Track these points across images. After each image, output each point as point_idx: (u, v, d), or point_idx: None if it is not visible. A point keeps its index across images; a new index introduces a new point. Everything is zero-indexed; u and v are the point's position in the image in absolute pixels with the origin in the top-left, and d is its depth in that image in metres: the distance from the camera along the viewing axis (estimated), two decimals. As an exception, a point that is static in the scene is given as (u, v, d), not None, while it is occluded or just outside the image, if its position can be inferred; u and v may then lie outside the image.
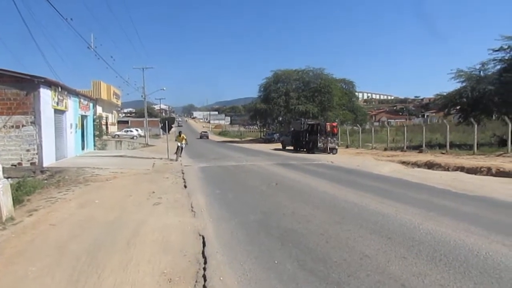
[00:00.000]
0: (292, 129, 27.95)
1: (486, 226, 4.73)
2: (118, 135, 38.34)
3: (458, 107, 22.13)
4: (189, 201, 6.87)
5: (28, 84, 12.30)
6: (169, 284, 3.18)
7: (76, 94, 17.46)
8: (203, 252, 3.97)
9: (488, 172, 10.79)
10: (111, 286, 3.13)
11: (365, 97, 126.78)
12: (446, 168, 12.32)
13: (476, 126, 16.91)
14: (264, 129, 52.56)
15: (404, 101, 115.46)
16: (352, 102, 45.50)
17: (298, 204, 6.47)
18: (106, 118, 38.18)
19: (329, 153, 20.50)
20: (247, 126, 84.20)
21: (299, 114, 36.78)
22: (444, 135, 19.15)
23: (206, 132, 65.74)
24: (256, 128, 64.16)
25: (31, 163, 12.28)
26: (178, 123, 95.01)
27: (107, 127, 36.63)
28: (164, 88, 54.59)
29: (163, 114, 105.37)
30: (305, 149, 22.82)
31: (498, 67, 19.54)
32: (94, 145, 21.56)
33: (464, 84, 20.97)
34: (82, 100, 18.38)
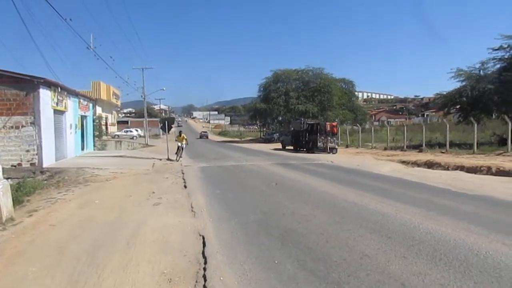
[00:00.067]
0: (292, 129, 27.94)
1: (486, 225, 4.73)
2: (118, 135, 38.32)
3: (458, 106, 22.14)
4: (189, 201, 6.87)
5: (28, 84, 12.29)
6: (169, 284, 3.18)
7: (75, 94, 17.45)
8: (203, 252, 3.97)
9: (488, 171, 10.79)
10: (111, 286, 3.13)
11: (365, 96, 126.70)
12: (446, 167, 12.32)
13: (476, 125, 16.92)
14: (264, 129, 52.52)
15: (403, 100, 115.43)
16: (352, 102, 45.49)
17: (298, 204, 6.47)
18: (106, 118, 38.18)
19: (329, 152, 20.50)
20: (247, 126, 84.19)
21: (299, 113, 36.77)
22: (444, 134, 19.14)
23: (205, 132, 65.85)
24: (256, 128, 64.14)
25: (31, 164, 12.27)
26: (178, 123, 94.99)
27: (106, 128, 36.62)
28: (164, 88, 54.57)
29: (163, 114, 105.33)
30: (305, 149, 22.81)
31: (498, 66, 19.55)
32: (94, 146, 21.54)
33: (464, 83, 20.99)
34: (81, 100, 18.37)
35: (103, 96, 36.09)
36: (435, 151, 17.59)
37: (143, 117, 41.74)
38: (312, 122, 24.16)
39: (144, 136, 37.39)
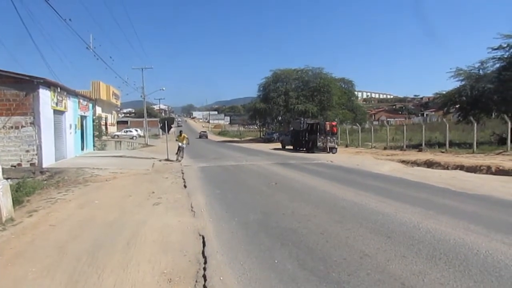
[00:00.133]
0: (292, 128, 27.93)
1: (485, 224, 4.74)
2: (118, 136, 38.30)
3: (457, 106, 22.17)
4: (189, 201, 6.87)
5: (27, 84, 12.28)
6: (169, 284, 3.18)
7: (75, 94, 17.44)
8: (203, 252, 3.97)
9: (488, 170, 10.80)
10: (111, 286, 3.13)
11: (365, 96, 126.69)
12: (445, 166, 12.33)
13: (475, 124, 16.92)
14: (264, 129, 52.54)
15: (403, 100, 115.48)
16: (352, 101, 45.48)
17: (298, 203, 6.47)
18: (106, 118, 38.20)
19: (328, 152, 20.50)
20: (246, 126, 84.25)
21: (299, 113, 36.76)
22: (444, 134, 19.16)
23: (205, 132, 66.10)
24: (256, 127, 64.19)
25: (30, 164, 12.27)
26: (177, 123, 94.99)
27: (106, 128, 36.63)
28: (164, 88, 54.91)
29: (163, 114, 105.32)
30: (304, 149, 22.81)
31: (497, 65, 19.56)
32: (94, 146, 21.53)
33: (463, 82, 21.02)
34: (81, 100, 18.35)
35: (103, 96, 36.12)
36: (434, 151, 17.61)
37: (143, 117, 41.75)
38: (311, 122, 24.15)
39: (144, 136, 37.40)
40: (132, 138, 37.54)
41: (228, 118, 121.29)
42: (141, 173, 11.62)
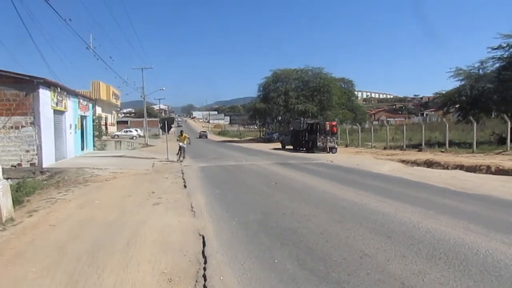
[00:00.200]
0: (292, 128, 27.94)
1: (485, 224, 4.74)
2: (118, 135, 38.30)
3: (457, 106, 22.18)
4: (189, 201, 6.87)
5: (27, 84, 12.28)
6: (169, 284, 3.18)
7: (75, 94, 17.44)
8: (203, 252, 3.97)
9: (488, 170, 10.81)
10: (111, 286, 3.13)
11: (364, 96, 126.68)
12: (445, 166, 12.34)
13: (475, 124, 16.92)
14: (264, 129, 52.57)
15: (403, 100, 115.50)
16: (352, 101, 45.49)
17: (298, 203, 6.47)
18: (106, 118, 38.20)
19: (328, 152, 20.50)
20: (246, 126, 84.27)
21: (299, 113, 36.76)
22: (444, 134, 19.16)
23: (205, 132, 66.36)
24: (256, 127, 64.19)
25: (30, 164, 12.27)
26: (177, 123, 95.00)
27: (106, 128, 36.62)
28: (164, 88, 54.93)
29: (163, 114, 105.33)
30: (304, 149, 22.81)
31: (497, 65, 19.57)
32: (94, 146, 21.53)
33: (463, 82, 21.03)
34: (81, 100, 18.35)
35: (103, 96, 36.12)
36: (434, 150, 17.61)
37: (143, 117, 41.76)
38: (311, 122, 24.16)
39: (144, 136, 37.40)
40: (132, 138, 37.54)
41: (228, 118, 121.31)
42: (141, 173, 11.62)
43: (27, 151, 12.31)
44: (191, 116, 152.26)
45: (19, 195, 7.11)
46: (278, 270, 3.41)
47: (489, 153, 14.80)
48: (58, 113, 14.62)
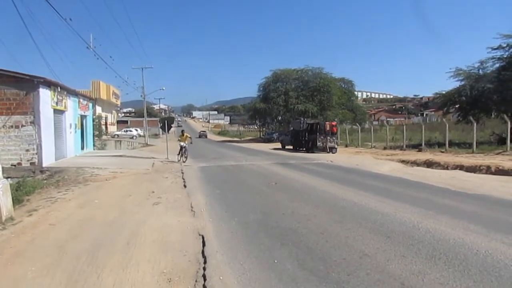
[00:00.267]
0: (292, 128, 27.95)
1: (485, 224, 4.74)
2: (118, 135, 38.32)
3: (457, 106, 22.19)
4: (188, 201, 6.87)
5: (28, 84, 12.28)
6: (169, 284, 3.18)
7: (75, 94, 17.44)
8: (202, 252, 3.97)
9: (487, 170, 10.81)
10: (110, 286, 3.13)
11: (364, 96, 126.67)
12: (445, 166, 12.34)
13: (475, 124, 16.92)
14: (264, 129, 52.58)
15: (403, 100, 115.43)
16: (351, 101, 45.51)
17: (298, 203, 6.47)
18: (106, 118, 38.20)
19: (328, 152, 20.50)
20: (246, 126, 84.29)
21: (299, 113, 36.78)
22: (443, 134, 19.17)
23: (204, 131, 66.66)
24: (256, 127, 64.21)
25: (30, 163, 12.27)
26: (177, 123, 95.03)
27: (106, 127, 36.64)
28: (164, 88, 54.91)
29: (163, 114, 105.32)
30: (304, 149, 22.81)
31: (497, 65, 19.58)
32: (94, 145, 21.54)
33: (463, 82, 21.04)
34: (81, 100, 18.36)
35: (103, 95, 36.11)
36: (434, 151, 17.61)
37: (143, 116, 41.76)
38: (311, 122, 24.16)
39: (144, 136, 37.40)
40: (132, 138, 37.54)
41: (228, 118, 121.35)
42: (141, 172, 11.61)
43: (27, 150, 12.31)
44: (191, 116, 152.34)
45: (19, 194, 7.11)
46: (278, 270, 3.40)
47: (489, 153, 14.80)
48: (58, 112, 14.63)
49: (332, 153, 20.34)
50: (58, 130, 14.52)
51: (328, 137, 21.23)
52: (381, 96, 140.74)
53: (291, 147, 25.36)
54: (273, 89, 41.23)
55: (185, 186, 8.87)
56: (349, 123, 38.14)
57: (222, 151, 23.94)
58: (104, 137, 29.55)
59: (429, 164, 13.19)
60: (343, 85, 45.12)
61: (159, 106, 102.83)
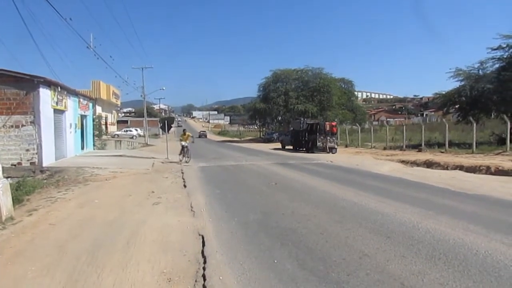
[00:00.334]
0: (292, 128, 27.96)
1: (485, 224, 4.74)
2: (118, 135, 38.31)
3: (457, 106, 22.20)
4: (188, 201, 6.87)
5: (28, 84, 12.29)
6: (168, 284, 3.18)
7: (75, 94, 17.44)
8: (202, 252, 3.97)
9: (487, 170, 10.81)
10: (110, 286, 3.13)
11: (364, 96, 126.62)
12: (445, 167, 12.34)
13: (475, 124, 16.92)
14: (264, 129, 52.60)
15: (403, 100, 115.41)
16: (351, 102, 45.54)
17: (298, 203, 6.48)
18: (106, 117, 38.15)
19: (328, 152, 20.51)
20: (246, 126, 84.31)
21: (298, 113, 36.79)
22: (443, 134, 19.16)
23: (204, 131, 66.88)
24: (256, 127, 64.23)
25: (30, 163, 12.27)
26: (177, 123, 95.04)
27: (106, 127, 36.60)
28: (164, 88, 54.84)
29: (163, 114, 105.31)
30: (304, 149, 22.82)
31: (497, 65, 19.58)
32: (94, 145, 21.54)
33: (463, 83, 21.04)
34: (81, 100, 18.36)
35: (103, 95, 36.09)
36: (434, 151, 17.61)
37: (143, 116, 41.76)
38: (311, 122, 24.18)
39: (144, 136, 37.39)
40: (132, 138, 37.54)
41: (228, 118, 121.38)
42: (141, 172, 11.61)
43: (27, 150, 12.31)
44: (191, 116, 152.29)
45: (19, 194, 7.11)
46: (277, 270, 3.41)
47: (488, 153, 14.80)
48: (58, 112, 14.63)
49: (332, 153, 20.34)
50: (58, 130, 14.53)
51: (328, 137, 21.23)
52: (381, 96, 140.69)
53: (291, 147, 25.37)
54: (273, 89, 41.26)
55: (185, 186, 8.88)
56: (349, 123, 38.18)
57: (222, 151, 23.94)
58: (104, 137, 29.54)
59: (429, 164, 13.20)
60: (343, 85, 45.15)
61: (159, 106, 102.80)
